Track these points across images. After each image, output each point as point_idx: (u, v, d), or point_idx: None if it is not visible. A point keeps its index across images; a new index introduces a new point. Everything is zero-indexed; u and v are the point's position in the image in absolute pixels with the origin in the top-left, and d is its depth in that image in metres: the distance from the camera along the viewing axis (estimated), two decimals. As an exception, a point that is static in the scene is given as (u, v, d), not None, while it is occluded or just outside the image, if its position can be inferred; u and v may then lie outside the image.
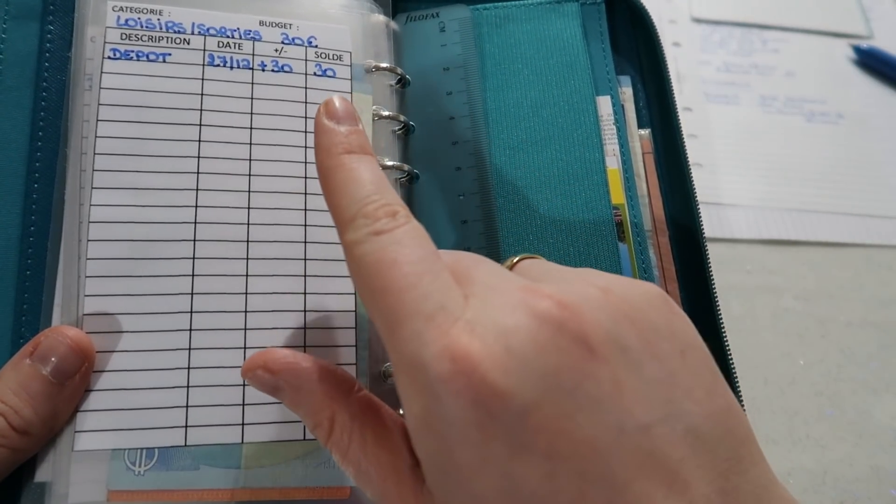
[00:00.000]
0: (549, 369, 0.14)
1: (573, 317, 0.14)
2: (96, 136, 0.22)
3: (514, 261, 0.19)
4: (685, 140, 0.30)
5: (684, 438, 0.14)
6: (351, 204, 0.17)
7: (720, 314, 0.27)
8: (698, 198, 0.29)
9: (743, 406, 0.26)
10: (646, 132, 0.31)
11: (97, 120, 0.22)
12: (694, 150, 0.39)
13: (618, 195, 0.28)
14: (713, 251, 0.31)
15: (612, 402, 0.14)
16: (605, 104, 0.29)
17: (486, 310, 0.15)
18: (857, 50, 0.43)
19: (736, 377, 0.26)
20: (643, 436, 0.14)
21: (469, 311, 0.15)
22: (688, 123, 0.39)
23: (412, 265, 0.15)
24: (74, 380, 0.20)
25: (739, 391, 0.26)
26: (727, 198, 0.38)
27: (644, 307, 0.15)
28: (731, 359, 0.26)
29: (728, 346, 0.26)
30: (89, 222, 0.21)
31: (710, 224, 0.36)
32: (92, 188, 0.21)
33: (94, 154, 0.22)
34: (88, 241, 0.21)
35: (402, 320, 0.15)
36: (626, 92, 0.31)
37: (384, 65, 0.27)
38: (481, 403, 0.13)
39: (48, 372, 0.19)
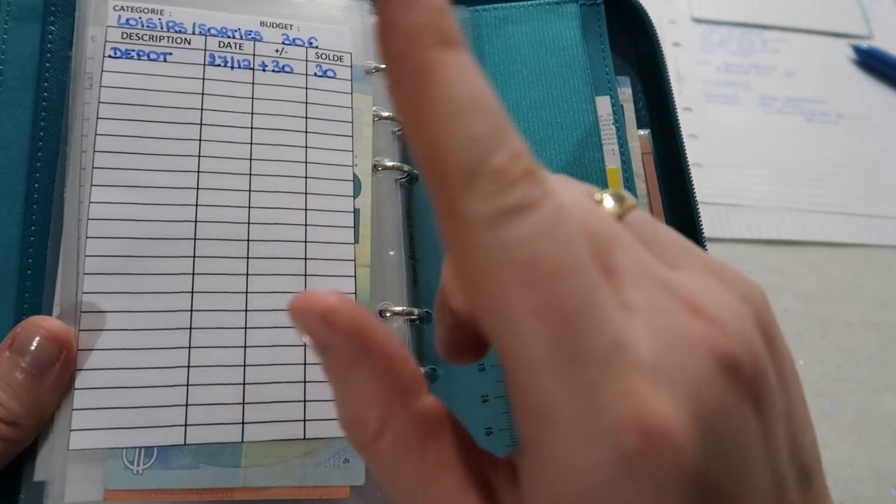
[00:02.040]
0: (730, 436, 0.11)
1: (748, 361, 0.12)
2: (96, 134, 0.22)
3: (620, 209, 0.14)
4: (685, 140, 0.30)
5: (798, 478, 0.13)
6: (466, 148, 0.10)
7: (720, 314, 0.27)
8: (698, 198, 0.29)
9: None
10: (645, 133, 0.31)
11: (97, 118, 0.22)
12: (694, 150, 0.38)
13: (617, 195, 0.28)
14: (713, 251, 0.31)
15: (764, 458, 0.12)
16: (604, 104, 0.29)
17: (662, 347, 0.11)
18: (857, 50, 0.43)
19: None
20: (779, 488, 0.13)
21: (644, 347, 0.11)
22: (688, 123, 0.39)
23: (578, 273, 0.11)
24: (55, 369, 0.20)
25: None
26: (727, 198, 0.38)
27: (771, 322, 0.13)
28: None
29: (728, 345, 0.26)
30: (88, 219, 0.21)
31: (710, 224, 0.36)
32: (92, 185, 0.21)
33: (94, 152, 0.22)
34: (87, 238, 0.21)
35: (572, 360, 0.10)
36: (626, 92, 0.31)
37: (384, 65, 0.27)
38: (670, 487, 0.11)
39: (27, 363, 0.19)
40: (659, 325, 0.12)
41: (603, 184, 0.27)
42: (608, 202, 0.14)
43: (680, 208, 0.30)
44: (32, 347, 0.19)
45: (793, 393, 0.13)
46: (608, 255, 0.12)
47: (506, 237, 0.10)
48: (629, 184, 0.28)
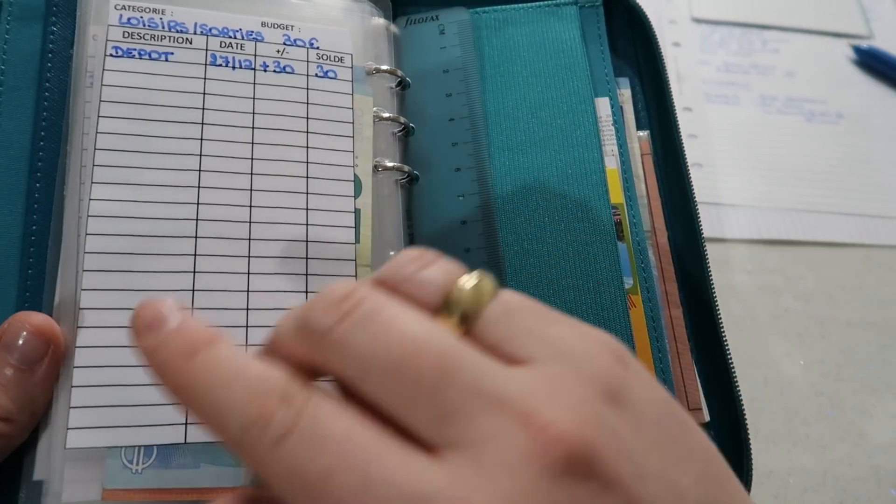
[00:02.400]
0: None
1: (587, 455, 0.12)
2: (97, 132, 0.22)
3: (483, 298, 0.14)
4: (685, 140, 0.30)
5: None
6: (229, 417, 0.13)
7: (719, 314, 0.27)
8: (698, 198, 0.29)
9: (743, 407, 0.26)
10: (645, 134, 0.31)
11: (98, 116, 0.22)
12: (694, 151, 0.39)
13: (617, 195, 0.28)
14: (713, 251, 0.31)
15: None
16: (603, 105, 0.29)
17: (481, 477, 0.12)
18: (857, 50, 0.43)
19: (736, 377, 0.26)
20: None
21: (460, 484, 0.12)
22: (688, 123, 0.39)
23: (349, 459, 0.12)
24: (43, 364, 0.20)
25: (739, 391, 0.26)
26: (727, 198, 0.38)
27: (624, 385, 0.14)
28: (731, 359, 0.26)
29: (728, 346, 0.27)
30: (88, 216, 0.21)
31: (710, 224, 0.36)
32: (92, 183, 0.21)
33: (95, 149, 0.22)
34: (87, 234, 0.21)
35: None
36: (625, 94, 0.31)
37: (384, 67, 0.28)
38: None
39: (15, 359, 0.19)
40: (482, 455, 0.12)
41: (602, 184, 0.27)
42: (464, 294, 0.14)
43: (679, 209, 0.30)
44: (20, 343, 0.20)
45: (660, 444, 0.14)
46: (429, 398, 0.13)
47: (280, 469, 0.12)
48: (628, 184, 0.28)
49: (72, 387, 0.20)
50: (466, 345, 0.14)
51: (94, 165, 0.22)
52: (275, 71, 0.25)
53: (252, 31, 0.25)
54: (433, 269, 0.15)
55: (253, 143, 0.23)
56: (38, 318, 0.20)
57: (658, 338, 0.26)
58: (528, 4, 0.31)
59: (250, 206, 0.23)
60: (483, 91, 0.29)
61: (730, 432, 0.26)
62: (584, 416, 0.13)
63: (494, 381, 0.13)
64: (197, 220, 0.22)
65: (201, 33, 0.24)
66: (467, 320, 0.14)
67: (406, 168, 0.27)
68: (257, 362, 0.13)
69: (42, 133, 0.23)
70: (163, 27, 0.24)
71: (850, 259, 0.36)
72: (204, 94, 0.23)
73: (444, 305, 0.14)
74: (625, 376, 0.14)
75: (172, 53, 0.23)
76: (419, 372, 0.13)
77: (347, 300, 0.14)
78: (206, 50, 0.24)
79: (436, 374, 0.13)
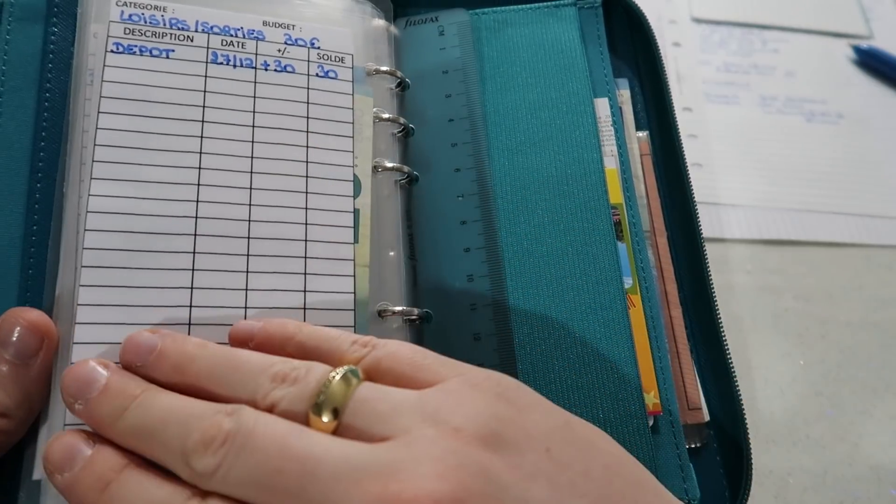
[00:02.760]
0: None
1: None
2: (97, 128, 0.22)
3: (350, 391, 0.16)
4: (685, 140, 0.30)
5: None
6: None
7: (719, 314, 0.27)
8: (698, 198, 0.29)
9: (743, 407, 0.26)
10: (644, 134, 0.31)
11: (98, 112, 0.22)
12: (693, 151, 0.39)
13: (616, 195, 0.28)
14: (713, 251, 0.31)
15: None
16: (602, 106, 0.29)
17: None
18: (857, 50, 0.43)
19: (736, 377, 0.26)
20: None
21: None
22: (687, 123, 0.39)
23: None
24: (38, 358, 0.20)
25: (739, 391, 0.26)
26: (727, 198, 0.38)
27: (501, 418, 0.15)
28: (731, 359, 0.26)
29: (728, 346, 0.27)
30: (87, 212, 0.21)
31: (710, 224, 0.36)
32: (91, 179, 0.21)
33: (95, 145, 0.22)
34: (85, 230, 0.21)
35: None
36: (624, 94, 0.31)
37: (384, 68, 0.28)
38: None
39: (10, 355, 0.19)
40: None
41: (602, 184, 0.27)
42: (331, 392, 0.16)
43: (678, 209, 0.30)
44: (14, 339, 0.20)
45: (548, 475, 0.14)
46: (299, 498, 0.14)
47: None
48: (627, 184, 0.29)
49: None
50: (332, 439, 0.15)
51: (93, 161, 0.22)
52: (275, 70, 0.25)
53: (253, 30, 0.25)
54: (299, 382, 0.16)
55: (253, 141, 0.24)
56: (32, 314, 0.20)
57: (657, 338, 0.26)
58: (528, 6, 0.31)
59: (249, 205, 0.23)
60: (482, 92, 0.29)
61: (730, 432, 0.26)
62: (448, 470, 0.14)
63: (355, 464, 0.14)
64: (196, 217, 0.22)
65: (202, 31, 0.24)
66: (338, 414, 0.16)
67: (406, 168, 0.27)
68: (162, 488, 0.15)
69: (43, 133, 0.23)
70: (164, 24, 0.24)
71: (850, 259, 0.36)
72: (204, 91, 0.23)
73: (315, 408, 0.16)
74: (506, 414, 0.15)
75: (173, 51, 0.23)
76: (287, 479, 0.14)
77: (223, 436, 0.15)
78: (208, 48, 0.24)
79: (301, 476, 0.14)
